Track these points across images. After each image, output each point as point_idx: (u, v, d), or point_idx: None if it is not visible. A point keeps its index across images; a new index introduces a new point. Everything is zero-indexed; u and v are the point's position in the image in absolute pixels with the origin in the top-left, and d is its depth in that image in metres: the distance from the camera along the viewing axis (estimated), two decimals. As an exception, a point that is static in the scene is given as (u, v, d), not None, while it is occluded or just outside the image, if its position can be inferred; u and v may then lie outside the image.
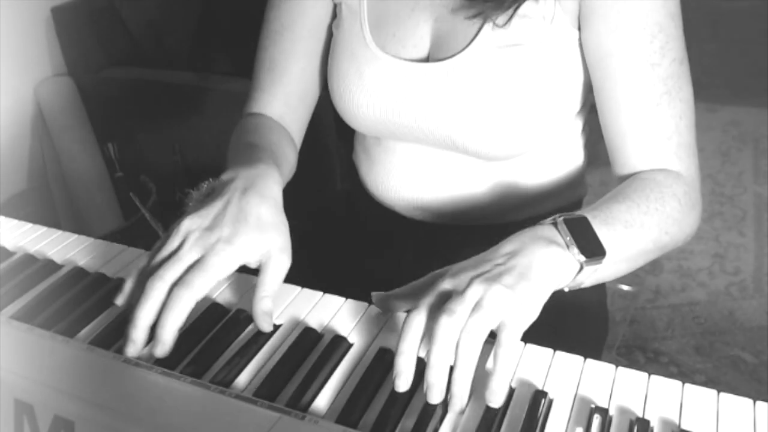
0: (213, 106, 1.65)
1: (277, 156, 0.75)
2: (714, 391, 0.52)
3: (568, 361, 0.56)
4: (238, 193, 0.63)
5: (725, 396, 0.52)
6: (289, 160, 0.82)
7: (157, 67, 1.87)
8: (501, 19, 0.71)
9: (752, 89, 2.81)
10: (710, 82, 2.82)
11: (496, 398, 0.51)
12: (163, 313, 0.56)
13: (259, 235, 0.61)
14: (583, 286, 0.63)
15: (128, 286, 0.62)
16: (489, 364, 0.55)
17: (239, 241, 0.59)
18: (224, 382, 0.55)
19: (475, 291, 0.53)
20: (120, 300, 0.62)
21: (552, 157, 0.81)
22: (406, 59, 0.76)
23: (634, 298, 1.88)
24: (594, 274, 0.61)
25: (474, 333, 0.51)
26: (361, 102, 0.78)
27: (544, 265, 0.57)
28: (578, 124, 0.82)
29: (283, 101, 0.85)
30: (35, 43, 1.83)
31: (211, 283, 0.58)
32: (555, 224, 0.61)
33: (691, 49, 0.74)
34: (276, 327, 0.62)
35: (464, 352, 0.51)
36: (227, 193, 0.63)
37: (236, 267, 0.60)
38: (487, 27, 0.72)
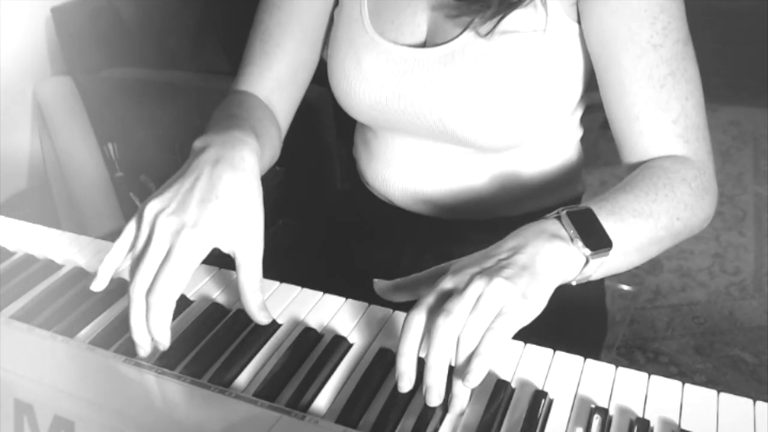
0: (213, 106, 1.64)
1: (258, 130, 0.71)
2: (714, 391, 0.52)
3: (568, 361, 0.56)
4: (208, 166, 0.61)
5: (725, 396, 0.52)
6: (272, 140, 0.79)
7: (157, 67, 1.86)
8: (484, 28, 0.70)
9: (752, 89, 2.81)
10: (710, 82, 2.81)
11: (471, 378, 0.50)
12: (149, 321, 0.57)
13: (228, 214, 0.59)
14: (592, 278, 0.61)
15: (102, 276, 0.62)
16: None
17: (206, 224, 0.58)
18: (224, 382, 0.55)
19: (475, 288, 0.52)
20: (95, 286, 0.62)
21: (547, 153, 0.81)
22: (403, 45, 0.76)
23: (634, 298, 1.87)
24: (602, 267, 0.60)
25: (474, 332, 0.51)
26: (358, 88, 0.78)
27: (548, 260, 0.56)
28: (574, 121, 0.82)
29: (274, 77, 0.82)
30: (35, 43, 1.83)
31: (187, 276, 0.57)
32: (559, 218, 0.59)
33: (690, 48, 0.73)
34: (276, 327, 0.62)
35: (465, 352, 0.51)
36: (198, 167, 0.61)
37: (207, 252, 0.59)
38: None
